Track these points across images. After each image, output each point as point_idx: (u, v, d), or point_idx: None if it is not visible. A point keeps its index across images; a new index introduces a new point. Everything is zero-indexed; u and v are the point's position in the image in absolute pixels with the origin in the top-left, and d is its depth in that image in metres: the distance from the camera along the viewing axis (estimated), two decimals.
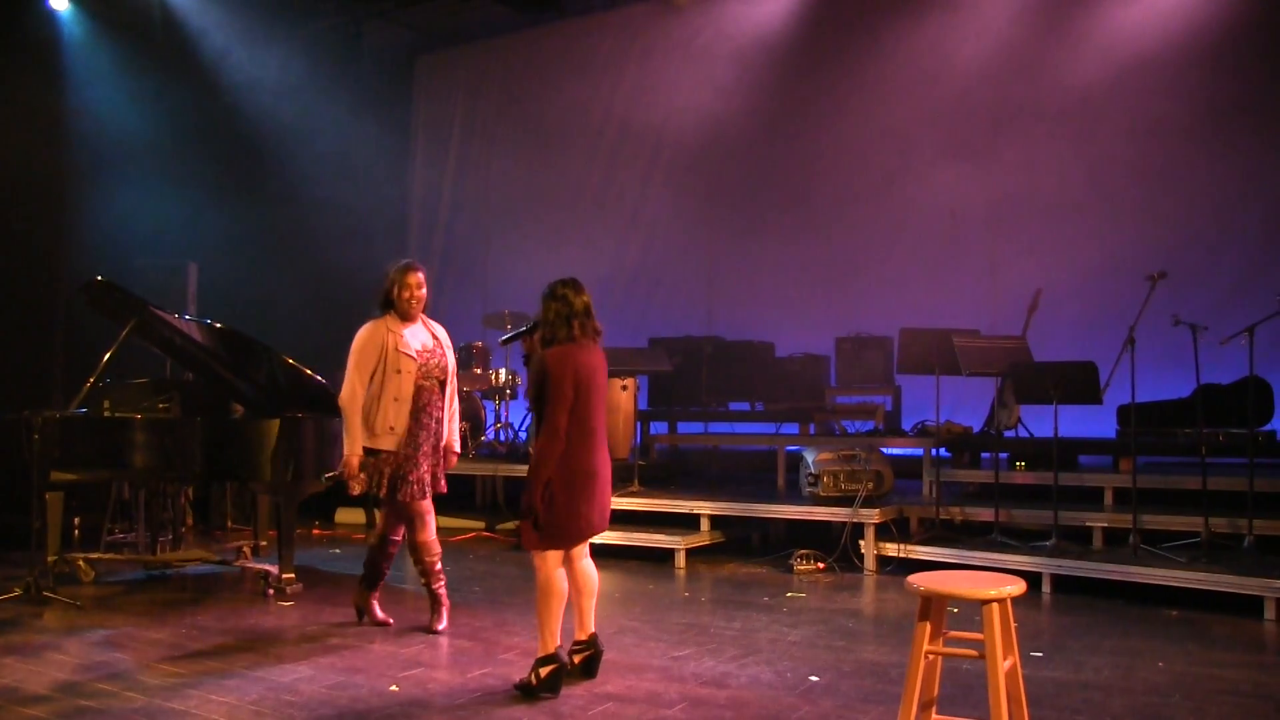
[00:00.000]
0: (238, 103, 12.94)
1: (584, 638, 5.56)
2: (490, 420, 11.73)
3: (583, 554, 5.53)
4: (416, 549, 6.49)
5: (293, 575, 7.57)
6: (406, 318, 6.44)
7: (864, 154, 12.36)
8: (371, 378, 6.29)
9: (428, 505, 6.46)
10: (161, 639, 6.34)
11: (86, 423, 7.78)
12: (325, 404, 7.87)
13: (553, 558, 5.32)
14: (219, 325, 7.97)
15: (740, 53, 12.89)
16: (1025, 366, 8.24)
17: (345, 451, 6.30)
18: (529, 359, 5.70)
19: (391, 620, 6.69)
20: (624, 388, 9.96)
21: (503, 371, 11.49)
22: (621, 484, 9.26)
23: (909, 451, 10.18)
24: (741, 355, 11.64)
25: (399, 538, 6.61)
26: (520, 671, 5.56)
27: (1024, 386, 8.25)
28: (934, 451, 9.54)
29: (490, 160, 14.91)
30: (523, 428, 11.50)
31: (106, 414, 7.90)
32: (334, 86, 13.36)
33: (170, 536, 8.80)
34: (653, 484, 10.07)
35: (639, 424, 10.82)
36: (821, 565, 8.45)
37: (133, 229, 11.74)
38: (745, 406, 11.79)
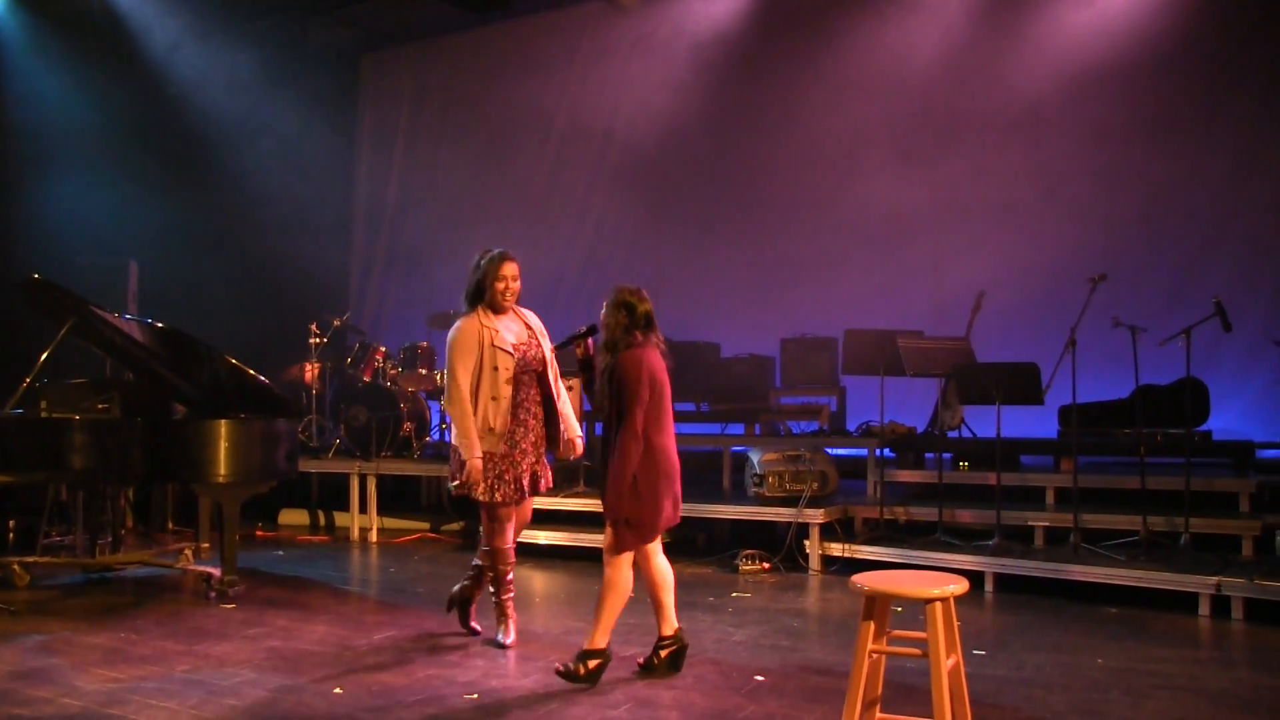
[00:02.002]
0: (181, 99, 12.79)
1: (670, 633, 5.61)
2: (435, 421, 11.66)
3: (657, 550, 5.56)
4: (493, 555, 6.13)
5: (235, 577, 7.48)
6: (499, 310, 6.05)
7: (811, 156, 12.42)
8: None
9: (510, 511, 6.10)
10: (100, 643, 6.24)
11: (22, 423, 7.63)
12: (269, 404, 7.81)
13: (626, 557, 5.39)
14: (160, 325, 7.86)
15: (688, 54, 12.91)
16: (968, 367, 8.32)
17: (464, 456, 5.89)
18: (585, 362, 5.77)
19: (480, 629, 6.43)
20: (569, 388, 9.91)
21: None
22: (567, 484, 9.27)
23: (854, 452, 10.23)
24: (687, 356, 11.60)
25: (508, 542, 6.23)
26: (466, 672, 5.56)
27: (967, 387, 8.33)
28: (878, 452, 9.61)
29: (436, 159, 14.82)
30: None
31: (44, 414, 7.77)
32: (279, 84, 13.23)
33: (110, 539, 8.66)
34: (599, 484, 10.04)
35: (585, 424, 10.78)
36: (766, 565, 8.48)
37: (72, 226, 11.58)
38: (691, 407, 11.79)
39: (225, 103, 12.88)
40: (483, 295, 6.05)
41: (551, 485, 6.33)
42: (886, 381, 8.89)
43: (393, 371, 11.33)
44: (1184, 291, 10.01)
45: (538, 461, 6.14)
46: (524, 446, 6.05)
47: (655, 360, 5.40)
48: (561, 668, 5.40)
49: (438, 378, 11.34)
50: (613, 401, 5.36)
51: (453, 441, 6.13)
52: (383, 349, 11.51)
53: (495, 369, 5.95)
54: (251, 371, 7.74)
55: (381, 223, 15.32)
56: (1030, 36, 11.32)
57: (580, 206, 13.90)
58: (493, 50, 14.42)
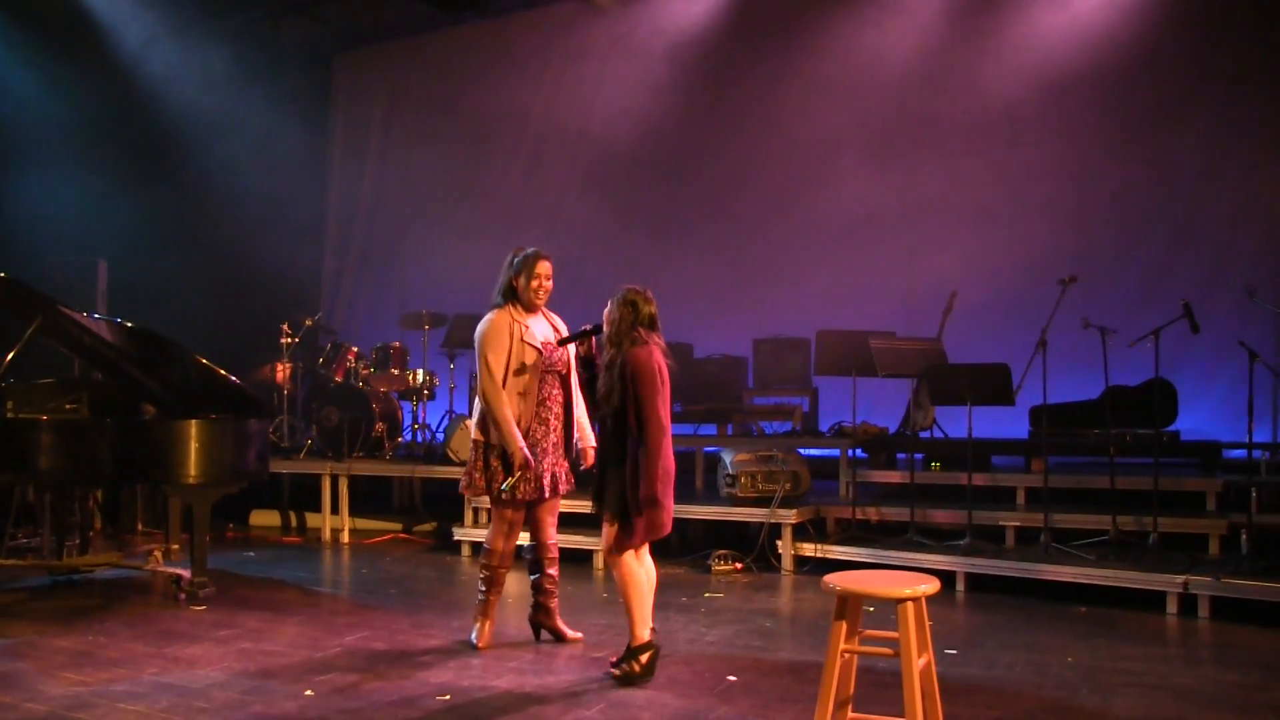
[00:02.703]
0: (152, 96, 12.69)
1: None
2: (408, 421, 11.63)
3: (646, 551, 5.57)
4: (491, 554, 6.13)
5: (206, 579, 7.44)
6: (530, 309, 6.08)
7: (784, 157, 12.44)
8: None
9: (520, 515, 6.11)
10: (67, 646, 6.18)
11: None
12: (240, 404, 7.77)
13: (633, 552, 5.43)
14: (130, 324, 7.79)
15: (663, 55, 12.90)
16: (940, 368, 8.36)
17: (509, 448, 5.85)
18: (586, 361, 5.76)
19: (580, 635, 6.35)
20: None
21: (420, 372, 11.38)
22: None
23: (826, 452, 10.26)
24: None
25: (546, 539, 6.25)
26: (439, 674, 5.55)
27: (939, 388, 8.37)
28: (850, 452, 9.64)
29: (409, 159, 14.77)
30: (440, 429, 11.41)
31: (10, 415, 7.69)
32: (251, 82, 13.15)
33: (78, 541, 8.57)
34: (594, 484, 10.02)
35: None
36: (739, 566, 8.49)
37: (40, 224, 11.48)
38: None
39: (197, 100, 12.79)
40: (515, 292, 6.08)
41: (573, 486, 6.27)
42: (859, 382, 8.92)
43: (365, 372, 11.28)
44: (1153, 293, 10.08)
45: (558, 463, 6.13)
46: (545, 446, 6.04)
47: (661, 358, 5.44)
48: (619, 673, 5.44)
49: (410, 378, 11.31)
50: (619, 397, 5.35)
51: (474, 437, 6.08)
52: (355, 349, 11.46)
53: (523, 364, 5.96)
54: (222, 371, 7.69)
55: (354, 222, 15.26)
56: (1004, 39, 11.37)
57: (554, 206, 13.87)
58: (467, 50, 14.38)
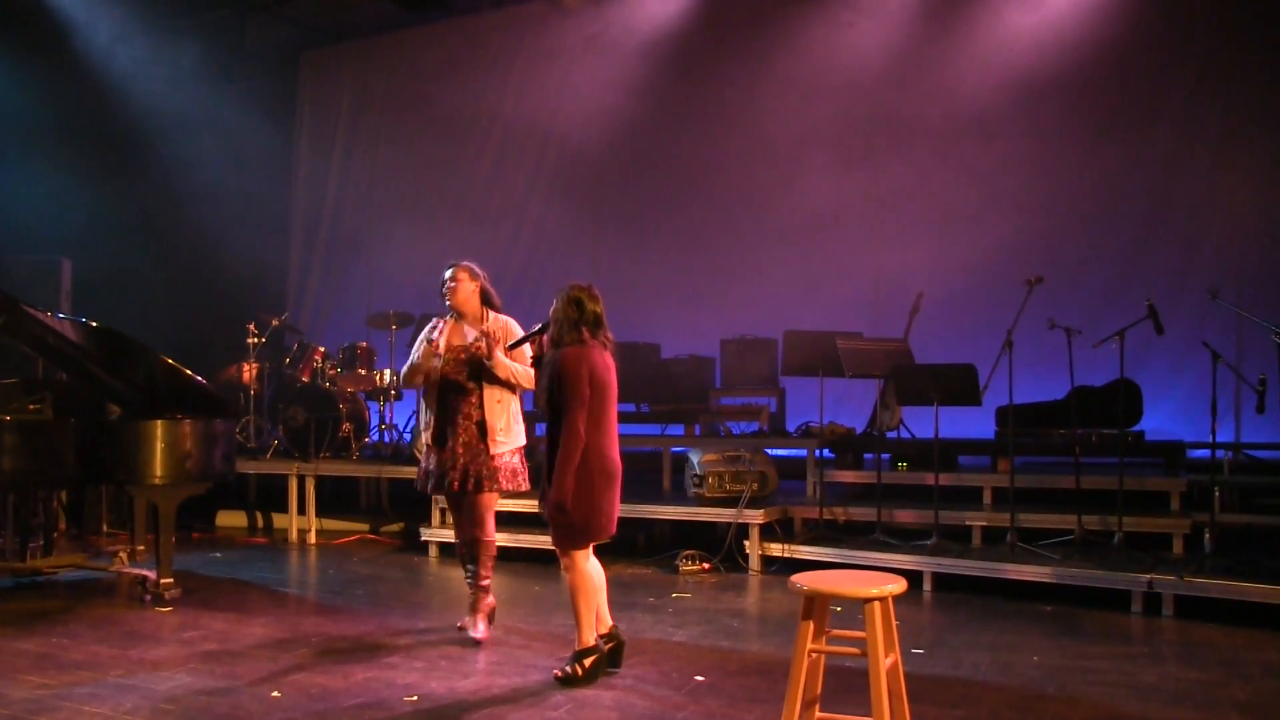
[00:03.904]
0: (117, 93, 12.60)
1: (606, 630, 5.63)
2: (375, 421, 11.58)
3: (589, 552, 5.55)
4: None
5: (171, 580, 7.38)
6: (451, 312, 6.38)
7: (753, 157, 12.48)
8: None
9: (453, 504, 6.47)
10: (30, 649, 6.12)
11: None
12: (205, 404, 7.71)
13: (583, 554, 5.43)
14: (95, 324, 7.73)
15: (631, 55, 12.91)
16: (907, 369, 8.40)
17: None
18: (539, 360, 5.80)
19: (482, 637, 6.34)
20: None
21: (387, 372, 11.33)
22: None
23: (793, 452, 10.28)
24: (627, 356, 11.49)
25: (464, 535, 6.42)
26: (406, 675, 5.53)
27: (905, 388, 8.41)
28: (818, 452, 9.67)
29: (376, 158, 14.74)
30: (407, 429, 11.38)
31: None
32: (217, 80, 13.09)
33: (41, 542, 8.48)
34: (541, 484, 10.01)
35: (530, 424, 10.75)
36: (707, 566, 8.50)
37: (3, 222, 11.37)
38: (631, 408, 11.77)
39: (162, 97, 12.71)
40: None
41: (516, 487, 6.34)
42: (826, 382, 8.95)
43: (331, 372, 11.24)
44: (1118, 294, 10.17)
45: (471, 461, 6.21)
46: (450, 444, 6.23)
47: (598, 359, 5.41)
48: (560, 673, 5.43)
49: (376, 378, 11.26)
50: (551, 397, 5.37)
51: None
52: (321, 349, 11.42)
53: (432, 366, 6.26)
54: (188, 371, 7.64)
55: (320, 221, 15.19)
56: (971, 41, 11.45)
57: (520, 206, 13.86)
58: (434, 49, 14.35)
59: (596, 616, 5.59)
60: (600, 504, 5.39)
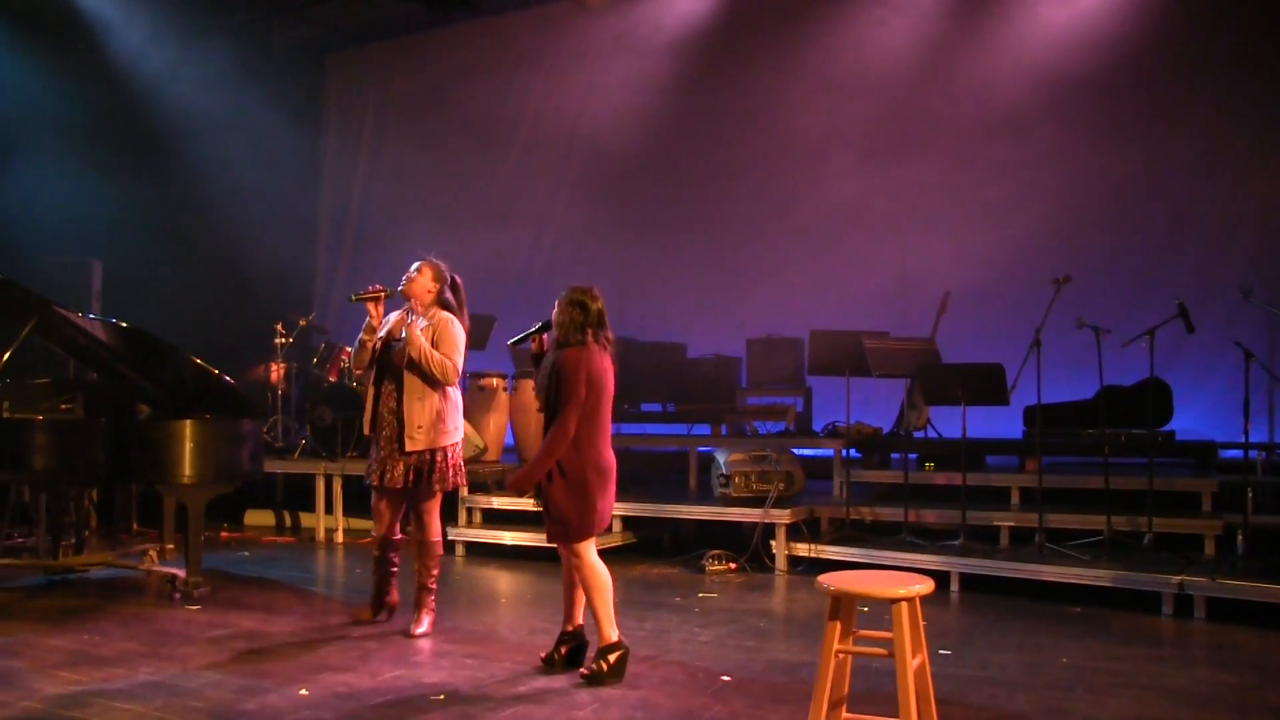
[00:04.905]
0: (146, 95, 12.68)
1: (572, 629, 5.70)
2: None
3: (592, 545, 5.59)
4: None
5: (200, 579, 7.43)
6: (410, 305, 6.47)
7: (779, 156, 12.46)
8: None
9: (383, 502, 6.53)
10: (62, 645, 6.17)
11: None
12: (233, 404, 7.76)
13: (589, 548, 5.47)
14: (124, 325, 7.79)
15: (657, 54, 12.91)
16: (933, 368, 8.36)
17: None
18: (538, 358, 5.85)
19: (379, 618, 6.73)
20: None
21: None
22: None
23: (819, 452, 10.27)
24: (653, 356, 11.63)
25: (382, 531, 6.63)
26: (433, 673, 5.54)
27: (932, 388, 8.37)
28: (844, 452, 9.65)
29: (402, 159, 14.75)
30: None
31: (5, 415, 7.68)
32: (244, 82, 13.13)
33: (73, 540, 8.56)
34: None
35: None
36: (733, 565, 8.49)
37: (35, 223, 11.46)
38: (657, 408, 11.79)
39: (190, 100, 12.79)
40: None
41: (397, 486, 6.38)
42: (852, 382, 8.93)
43: (358, 372, 11.25)
44: (1147, 292, 10.09)
45: (389, 456, 6.34)
46: (378, 438, 6.41)
47: (596, 361, 5.46)
48: (586, 671, 5.46)
49: None
50: (550, 397, 5.45)
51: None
52: (348, 349, 11.40)
53: (375, 360, 6.49)
54: (216, 371, 7.69)
55: (347, 222, 15.25)
56: (1000, 38, 11.40)
57: (544, 206, 13.87)
58: (459, 50, 14.37)
59: (568, 614, 5.69)
60: (595, 500, 5.45)
